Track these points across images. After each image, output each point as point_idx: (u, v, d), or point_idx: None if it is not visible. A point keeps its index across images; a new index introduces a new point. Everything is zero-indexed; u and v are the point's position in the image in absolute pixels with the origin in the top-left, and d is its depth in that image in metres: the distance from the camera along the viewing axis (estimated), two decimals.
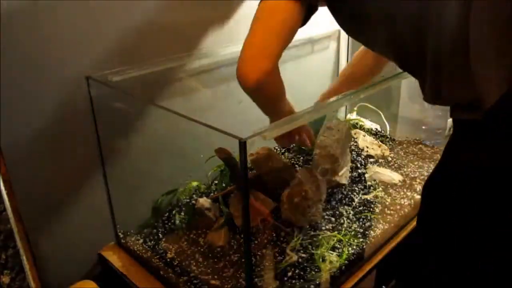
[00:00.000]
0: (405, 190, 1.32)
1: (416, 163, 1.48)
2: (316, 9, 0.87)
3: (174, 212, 1.22)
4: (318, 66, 1.70)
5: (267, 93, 0.87)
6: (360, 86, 1.01)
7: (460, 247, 0.74)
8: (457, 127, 0.76)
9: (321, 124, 1.32)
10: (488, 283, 0.75)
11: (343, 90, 1.15)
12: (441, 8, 0.67)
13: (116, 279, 1.12)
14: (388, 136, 1.65)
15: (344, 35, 1.73)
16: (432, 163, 1.48)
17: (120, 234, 1.20)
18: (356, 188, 1.31)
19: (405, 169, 1.44)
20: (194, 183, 1.28)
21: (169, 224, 1.20)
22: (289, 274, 1.01)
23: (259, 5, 0.84)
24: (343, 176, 1.32)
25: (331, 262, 1.03)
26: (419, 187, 1.33)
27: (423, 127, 1.63)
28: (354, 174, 1.37)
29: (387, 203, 1.25)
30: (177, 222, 1.19)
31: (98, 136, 1.09)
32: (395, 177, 1.37)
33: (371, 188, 1.32)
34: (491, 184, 0.68)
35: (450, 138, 0.79)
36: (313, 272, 1.01)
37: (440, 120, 1.57)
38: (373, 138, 1.59)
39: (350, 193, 1.29)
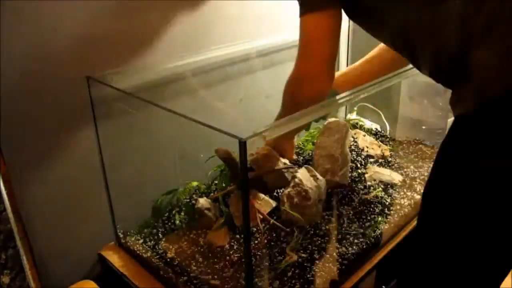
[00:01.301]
0: (405, 190, 1.32)
1: (416, 163, 1.48)
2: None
3: (174, 212, 1.22)
4: None
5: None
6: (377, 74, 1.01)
7: (459, 250, 0.74)
8: (455, 126, 0.76)
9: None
10: (486, 285, 0.75)
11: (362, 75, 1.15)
12: None
13: (116, 279, 1.12)
14: (388, 136, 1.65)
15: (344, 35, 1.73)
16: (432, 163, 1.48)
17: (120, 234, 1.20)
18: (356, 188, 1.31)
19: (405, 169, 1.44)
20: (194, 183, 1.28)
21: (169, 224, 1.20)
22: (289, 274, 1.01)
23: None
24: (343, 176, 1.32)
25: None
26: (419, 187, 1.33)
27: (423, 127, 1.63)
28: (354, 174, 1.37)
29: (387, 203, 1.25)
30: (177, 222, 1.18)
31: (98, 136, 1.09)
32: (395, 177, 1.37)
33: (371, 188, 1.32)
34: (490, 185, 0.67)
35: (446, 138, 0.78)
36: (313, 272, 1.01)
37: (440, 120, 1.57)
38: (373, 138, 1.59)
39: (350, 193, 1.29)
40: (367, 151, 1.50)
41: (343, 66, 1.76)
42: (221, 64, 1.34)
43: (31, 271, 1.01)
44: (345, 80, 1.18)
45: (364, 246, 1.10)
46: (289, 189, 1.16)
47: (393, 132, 1.66)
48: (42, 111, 1.00)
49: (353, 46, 1.74)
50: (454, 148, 0.75)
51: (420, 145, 1.61)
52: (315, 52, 0.87)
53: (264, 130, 0.75)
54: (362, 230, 1.15)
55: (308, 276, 1.00)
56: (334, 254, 1.07)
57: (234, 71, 1.39)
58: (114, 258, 1.16)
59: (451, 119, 0.76)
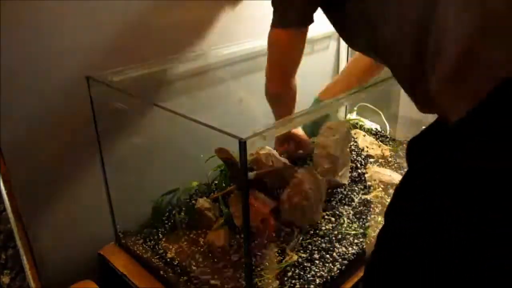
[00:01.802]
0: None
1: None
2: (312, 22, 0.92)
3: (174, 212, 1.22)
4: (318, 66, 1.70)
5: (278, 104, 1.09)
6: (359, 84, 1.06)
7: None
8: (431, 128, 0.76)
9: (321, 125, 1.31)
10: None
11: (343, 87, 1.18)
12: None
13: (116, 279, 1.12)
14: (388, 136, 1.65)
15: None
16: None
17: (120, 234, 1.20)
18: (356, 188, 1.31)
19: (405, 169, 1.43)
20: (194, 183, 1.28)
21: (169, 224, 1.20)
22: (289, 274, 1.01)
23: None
24: (343, 176, 1.32)
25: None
26: None
27: (423, 127, 1.63)
28: (354, 174, 1.37)
29: (387, 203, 1.25)
30: (177, 222, 1.19)
31: (98, 136, 1.09)
32: (395, 177, 1.37)
33: (371, 188, 1.32)
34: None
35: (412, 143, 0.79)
36: (313, 272, 1.01)
37: None
38: (373, 138, 1.59)
39: (350, 193, 1.29)
40: (367, 151, 1.50)
41: (343, 67, 1.76)
42: (221, 64, 1.34)
43: (31, 271, 1.01)
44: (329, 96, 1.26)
45: (364, 246, 1.10)
46: (289, 189, 1.16)
47: (393, 132, 1.66)
48: (42, 112, 1.00)
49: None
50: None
51: None
52: (275, 60, 0.99)
53: (264, 130, 0.75)
54: (362, 230, 1.15)
55: (308, 276, 1.00)
56: (334, 254, 1.07)
57: (234, 71, 1.39)
58: (114, 258, 1.16)
59: None
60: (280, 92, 1.05)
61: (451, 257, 0.70)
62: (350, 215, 1.20)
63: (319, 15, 0.90)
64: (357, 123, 1.68)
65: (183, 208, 1.22)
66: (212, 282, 1.00)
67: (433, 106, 0.73)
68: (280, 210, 1.16)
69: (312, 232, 1.13)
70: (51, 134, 1.03)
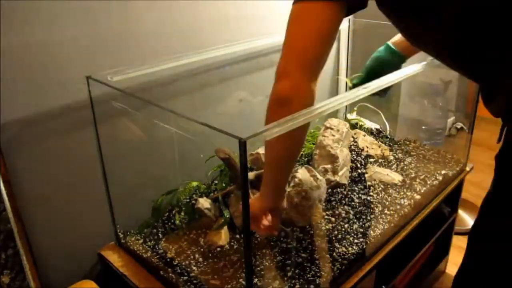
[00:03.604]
0: (405, 190, 1.32)
1: (416, 163, 1.48)
2: (363, 6, 0.75)
3: (174, 212, 1.22)
4: None
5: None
6: None
7: None
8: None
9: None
10: None
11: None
12: None
13: (116, 279, 1.12)
14: (388, 136, 1.65)
15: (344, 35, 1.73)
16: (432, 163, 1.48)
17: (120, 234, 1.20)
18: (356, 188, 1.31)
19: (405, 169, 1.44)
20: (194, 183, 1.28)
21: (169, 224, 1.20)
22: (289, 274, 1.01)
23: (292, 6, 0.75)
24: (343, 176, 1.32)
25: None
26: (419, 187, 1.33)
27: (423, 127, 1.63)
28: (354, 174, 1.37)
29: (387, 203, 1.25)
30: (177, 222, 1.19)
31: (98, 136, 1.09)
32: (395, 177, 1.37)
33: (371, 188, 1.32)
34: None
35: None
36: (313, 272, 1.01)
37: (440, 120, 1.57)
38: (373, 138, 1.59)
39: (350, 193, 1.29)
40: (367, 151, 1.50)
41: (343, 66, 1.76)
42: (221, 64, 1.34)
43: (31, 271, 1.01)
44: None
45: (364, 246, 1.10)
46: (289, 189, 1.16)
47: (393, 132, 1.66)
48: (42, 112, 1.00)
49: (353, 46, 1.74)
50: None
51: (420, 145, 1.61)
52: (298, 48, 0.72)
53: (264, 130, 0.75)
54: (362, 230, 1.15)
55: (308, 276, 1.00)
56: (334, 254, 1.07)
57: (234, 71, 1.39)
58: (114, 258, 1.16)
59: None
60: (301, 85, 0.76)
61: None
62: (350, 215, 1.20)
63: None
64: (357, 123, 1.68)
65: (183, 208, 1.22)
66: (212, 282, 1.00)
67: None
68: (280, 210, 1.16)
69: (312, 232, 1.13)
70: (51, 134, 1.03)
